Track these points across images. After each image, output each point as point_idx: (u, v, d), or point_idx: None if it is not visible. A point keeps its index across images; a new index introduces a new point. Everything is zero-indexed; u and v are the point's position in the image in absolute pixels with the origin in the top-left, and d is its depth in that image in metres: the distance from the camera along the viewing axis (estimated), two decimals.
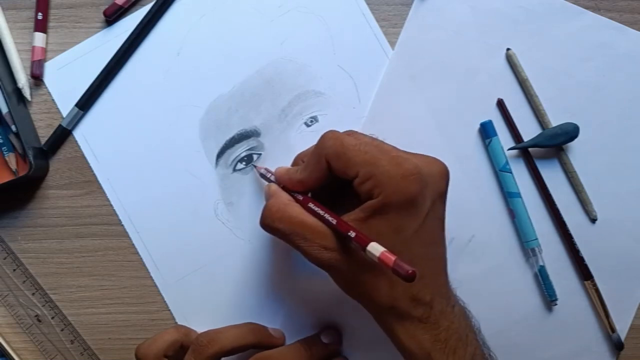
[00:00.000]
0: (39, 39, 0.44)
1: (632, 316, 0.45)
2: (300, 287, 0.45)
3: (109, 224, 0.45)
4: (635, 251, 0.45)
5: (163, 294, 0.45)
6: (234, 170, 0.45)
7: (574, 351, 0.45)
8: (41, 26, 0.44)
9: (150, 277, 0.45)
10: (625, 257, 0.45)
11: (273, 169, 0.41)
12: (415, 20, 0.45)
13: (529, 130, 0.45)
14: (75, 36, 0.45)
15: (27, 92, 0.44)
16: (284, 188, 0.38)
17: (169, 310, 0.45)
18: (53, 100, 0.45)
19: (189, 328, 0.43)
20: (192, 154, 0.45)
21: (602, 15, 0.45)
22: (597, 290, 0.44)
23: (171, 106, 0.45)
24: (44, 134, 0.45)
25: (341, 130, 0.37)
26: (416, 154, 0.36)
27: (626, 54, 0.45)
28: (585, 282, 0.44)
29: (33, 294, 0.45)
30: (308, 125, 0.45)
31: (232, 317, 0.44)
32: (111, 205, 0.45)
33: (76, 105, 0.44)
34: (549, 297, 0.44)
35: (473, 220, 0.45)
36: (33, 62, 0.44)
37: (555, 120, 0.45)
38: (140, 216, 0.45)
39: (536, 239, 0.44)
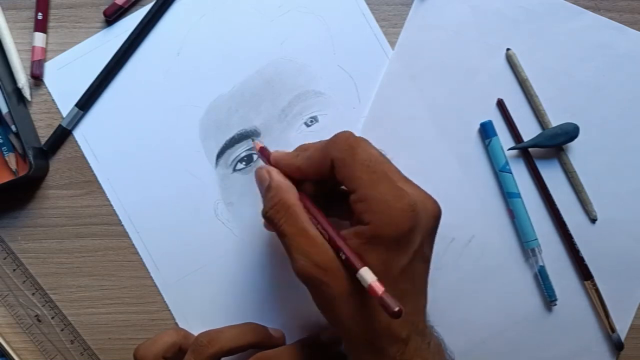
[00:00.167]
0: (39, 39, 0.44)
1: (632, 316, 0.45)
2: (301, 287, 0.44)
3: (109, 224, 0.45)
4: (635, 251, 0.45)
5: (163, 294, 0.45)
6: (234, 170, 0.45)
7: (574, 351, 0.45)
8: (41, 26, 0.44)
9: (150, 277, 0.45)
10: (625, 257, 0.45)
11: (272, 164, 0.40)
12: (415, 20, 0.45)
13: (529, 130, 0.45)
14: (75, 36, 0.45)
15: (27, 92, 0.44)
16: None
17: (169, 310, 0.45)
18: (53, 100, 0.45)
19: (188, 331, 0.43)
20: (192, 154, 0.45)
21: (602, 15, 0.45)
22: (597, 290, 0.44)
23: (171, 106, 0.45)
24: (44, 134, 0.45)
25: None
26: (414, 185, 0.35)
27: (626, 54, 0.45)
28: (585, 282, 0.44)
29: (33, 294, 0.45)
30: (308, 125, 0.45)
31: (232, 317, 0.44)
32: (111, 205, 0.45)
33: (76, 105, 0.44)
34: (548, 297, 0.44)
35: (473, 220, 0.45)
36: (33, 62, 0.44)
37: (555, 120, 0.45)
38: (140, 216, 0.45)
39: (536, 239, 0.44)
